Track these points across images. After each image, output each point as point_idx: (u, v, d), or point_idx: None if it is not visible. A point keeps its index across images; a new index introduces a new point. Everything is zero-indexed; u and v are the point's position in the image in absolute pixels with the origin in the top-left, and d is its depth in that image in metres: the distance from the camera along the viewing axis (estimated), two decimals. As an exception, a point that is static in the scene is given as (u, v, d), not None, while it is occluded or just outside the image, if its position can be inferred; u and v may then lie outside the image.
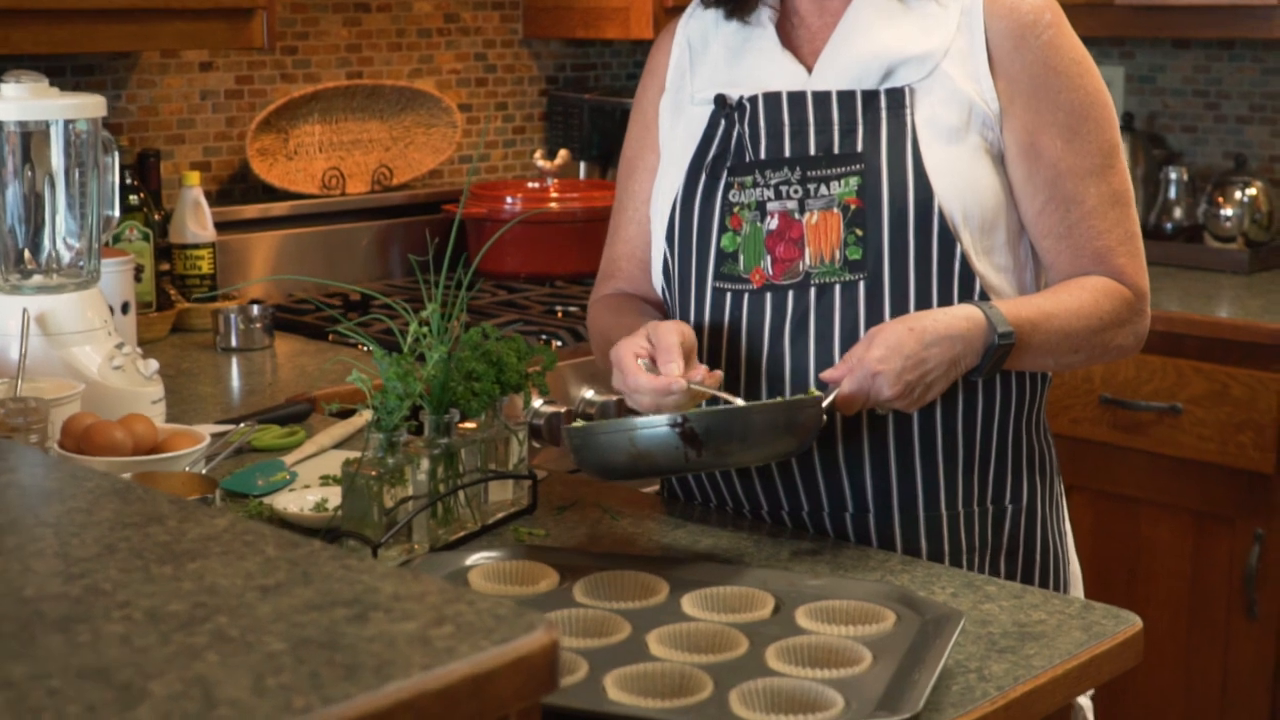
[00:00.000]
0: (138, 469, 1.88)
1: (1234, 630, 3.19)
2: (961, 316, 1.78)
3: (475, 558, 1.68)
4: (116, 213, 2.37)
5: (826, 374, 1.78)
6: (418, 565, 1.66)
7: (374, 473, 1.72)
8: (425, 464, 1.78)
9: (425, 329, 1.77)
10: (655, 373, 1.73)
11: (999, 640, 1.57)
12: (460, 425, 1.87)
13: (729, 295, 1.90)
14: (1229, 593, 3.20)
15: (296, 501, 1.93)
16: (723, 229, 1.90)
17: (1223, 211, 3.69)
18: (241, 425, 2.22)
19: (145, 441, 2.00)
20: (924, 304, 1.83)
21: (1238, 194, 3.68)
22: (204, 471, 1.96)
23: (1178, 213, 3.80)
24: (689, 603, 1.57)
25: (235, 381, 2.76)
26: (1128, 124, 3.91)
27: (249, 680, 1.00)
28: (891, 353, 1.73)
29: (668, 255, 1.97)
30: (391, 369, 1.71)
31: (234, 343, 2.88)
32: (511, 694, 1.05)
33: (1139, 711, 3.24)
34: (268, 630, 1.07)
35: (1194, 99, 3.95)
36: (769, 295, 1.87)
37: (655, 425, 1.65)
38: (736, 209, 1.89)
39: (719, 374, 1.76)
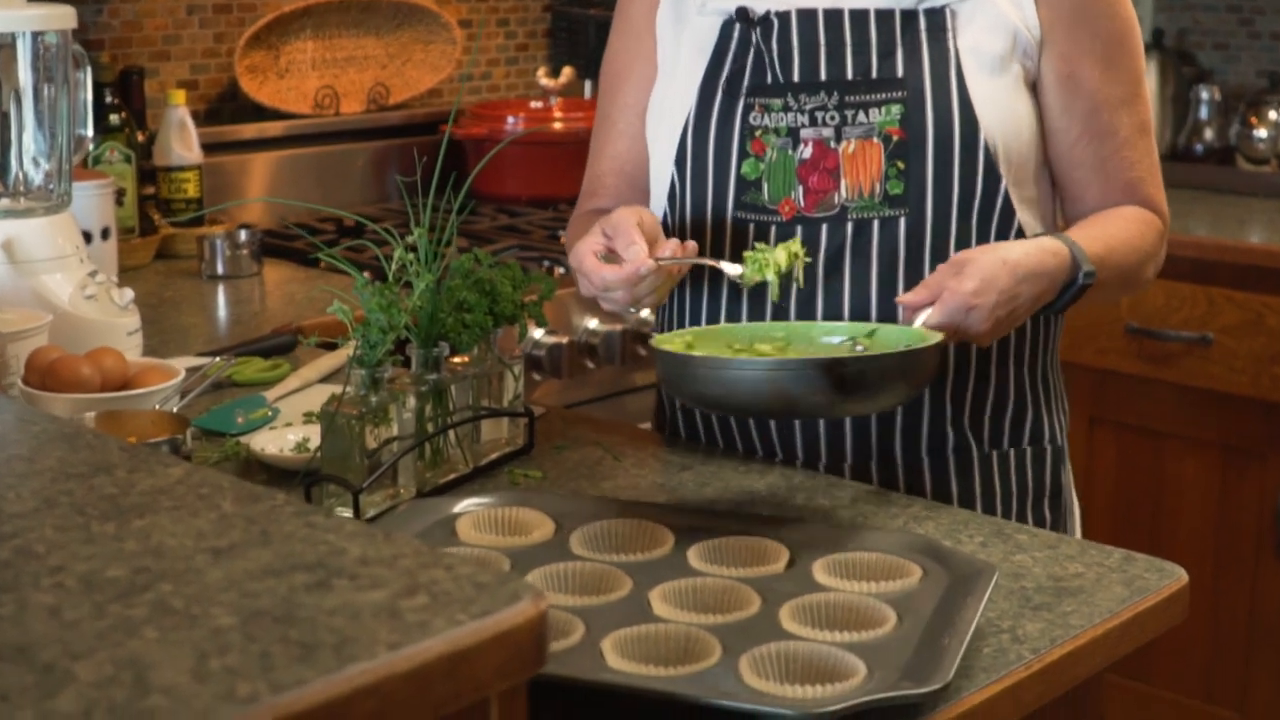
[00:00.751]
0: (103, 407, 1.75)
1: (1262, 569, 3.07)
2: (1050, 251, 1.65)
3: (464, 504, 1.55)
4: (89, 132, 2.23)
5: (908, 298, 1.62)
6: (402, 512, 1.53)
7: (355, 412, 1.59)
8: (412, 402, 1.65)
9: (411, 255, 1.63)
10: (617, 263, 1.62)
11: (1033, 596, 1.44)
12: (450, 360, 1.74)
13: (752, 226, 1.75)
14: (1258, 530, 3.07)
15: (276, 441, 1.80)
16: (743, 154, 1.76)
17: (1256, 132, 3.54)
18: (218, 359, 2.09)
19: (115, 377, 1.87)
20: (964, 243, 1.71)
21: (1272, 114, 3.52)
22: (176, 409, 1.83)
23: (1209, 134, 3.65)
24: (696, 555, 1.44)
25: (220, 311, 2.63)
26: (1156, 41, 3.75)
27: (190, 661, 0.87)
28: (987, 286, 1.58)
29: (675, 180, 1.82)
30: (373, 299, 1.58)
31: (220, 270, 2.75)
32: (492, 674, 0.92)
33: (1162, 651, 3.12)
34: (216, 601, 0.95)
35: (1226, 14, 3.78)
36: (800, 228, 1.73)
37: (800, 366, 1.49)
38: (759, 133, 1.75)
39: (692, 244, 1.66)
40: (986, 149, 1.70)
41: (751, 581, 1.38)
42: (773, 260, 1.66)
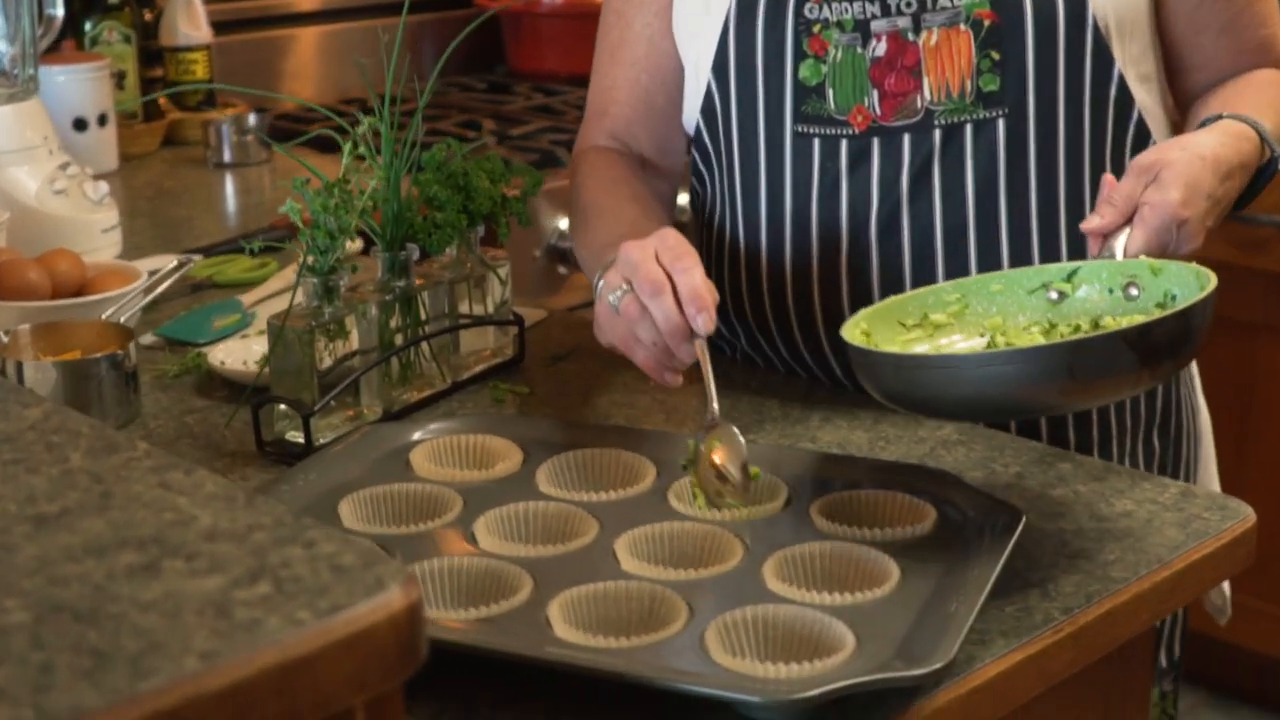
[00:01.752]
0: (43, 317, 1.58)
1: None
2: (1242, 136, 1.39)
3: (424, 431, 1.36)
4: (60, 11, 2.04)
5: (1095, 222, 1.33)
6: (354, 441, 1.35)
7: (305, 325, 1.41)
8: (373, 312, 1.46)
9: (364, 148, 1.43)
10: None
11: (1071, 541, 1.24)
12: (429, 264, 1.55)
13: (817, 143, 1.50)
14: (1356, 427, 2.84)
15: (239, 352, 1.63)
16: (799, 55, 1.49)
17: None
18: (196, 258, 1.92)
19: (68, 281, 1.70)
20: (1076, 144, 1.47)
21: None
22: (136, 317, 1.66)
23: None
24: (678, 493, 1.25)
25: (225, 203, 2.46)
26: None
27: (-52, 678, 0.69)
28: (1193, 192, 1.31)
29: (715, 91, 1.56)
30: (316, 200, 1.38)
31: (226, 157, 2.56)
32: (342, 685, 0.74)
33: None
34: (17, 589, 0.77)
35: None
36: (876, 141, 1.48)
37: (1104, 344, 1.15)
38: (817, 28, 1.49)
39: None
40: (1096, 25, 1.45)
41: (738, 527, 1.19)
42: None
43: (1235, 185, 1.37)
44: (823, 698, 0.96)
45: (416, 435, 1.36)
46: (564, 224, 2.45)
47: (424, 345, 1.53)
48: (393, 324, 1.49)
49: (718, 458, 1.22)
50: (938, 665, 0.98)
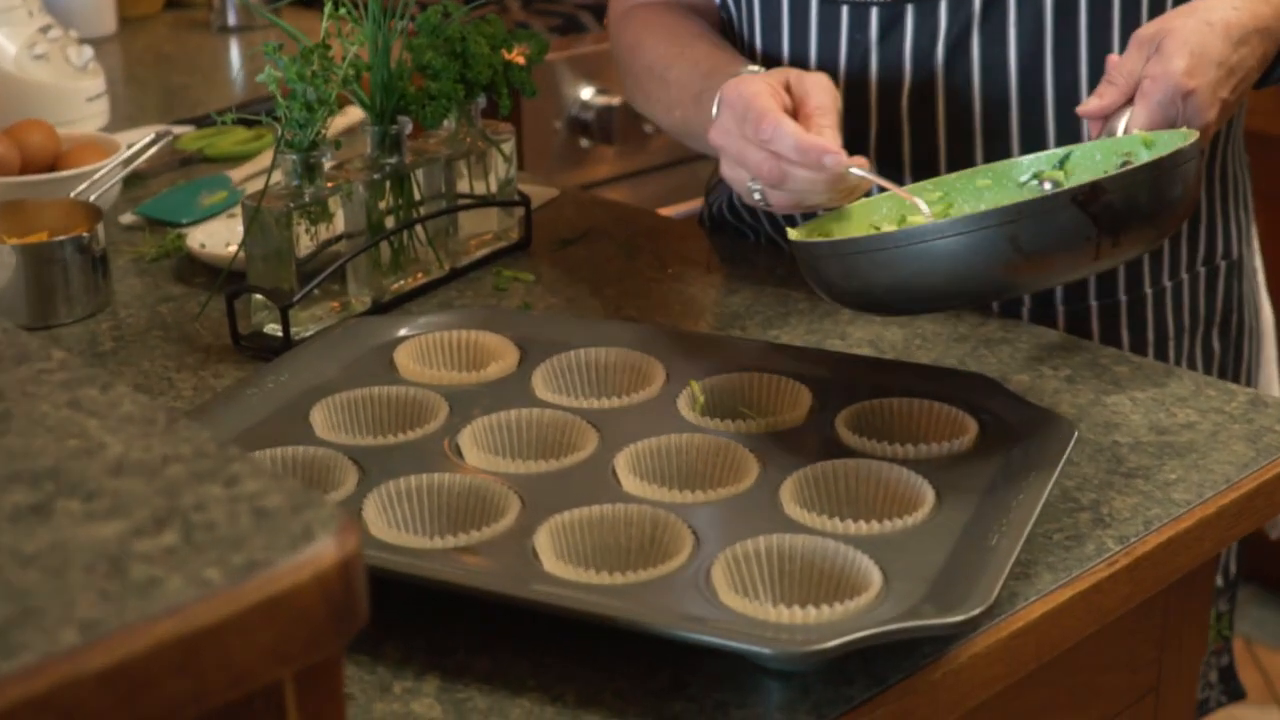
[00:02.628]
0: (9, 194, 1.46)
1: None
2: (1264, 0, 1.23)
3: (411, 327, 1.24)
4: None
5: (1092, 104, 1.19)
6: (335, 336, 1.22)
7: (283, 206, 1.27)
8: (360, 192, 1.33)
9: (345, 7, 1.29)
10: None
11: (1127, 456, 1.11)
12: (424, 139, 1.42)
13: (845, 11, 1.36)
14: None
15: (221, 235, 1.50)
16: None
17: None
18: (186, 129, 1.78)
19: (40, 155, 1.57)
20: (1133, 11, 1.31)
21: None
22: (111, 195, 1.53)
23: None
24: (688, 400, 1.12)
25: (228, 69, 2.32)
26: None
27: None
28: (1199, 61, 1.17)
29: None
30: (291, 67, 1.25)
31: (231, 20, 2.42)
32: (260, 657, 0.62)
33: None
34: (-122, 534, 0.65)
35: None
36: (910, 10, 1.33)
37: (1049, 204, 1.02)
38: None
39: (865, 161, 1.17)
40: None
41: (755, 440, 1.06)
42: None
43: (1255, 51, 1.21)
44: (843, 649, 0.83)
45: (402, 331, 1.23)
46: (586, 94, 2.31)
47: (418, 229, 1.40)
48: (383, 205, 1.36)
49: None
50: (976, 612, 0.85)
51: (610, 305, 1.38)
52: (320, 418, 1.10)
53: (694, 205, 2.09)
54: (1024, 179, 1.19)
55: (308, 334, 1.29)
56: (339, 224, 1.32)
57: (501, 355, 1.20)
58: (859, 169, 1.13)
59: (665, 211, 2.10)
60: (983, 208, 1.15)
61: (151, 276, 1.47)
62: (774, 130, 1.14)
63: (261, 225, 1.28)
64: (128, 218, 1.60)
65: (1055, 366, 1.24)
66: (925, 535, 0.95)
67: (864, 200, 1.19)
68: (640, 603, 0.89)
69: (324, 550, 0.64)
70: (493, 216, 1.49)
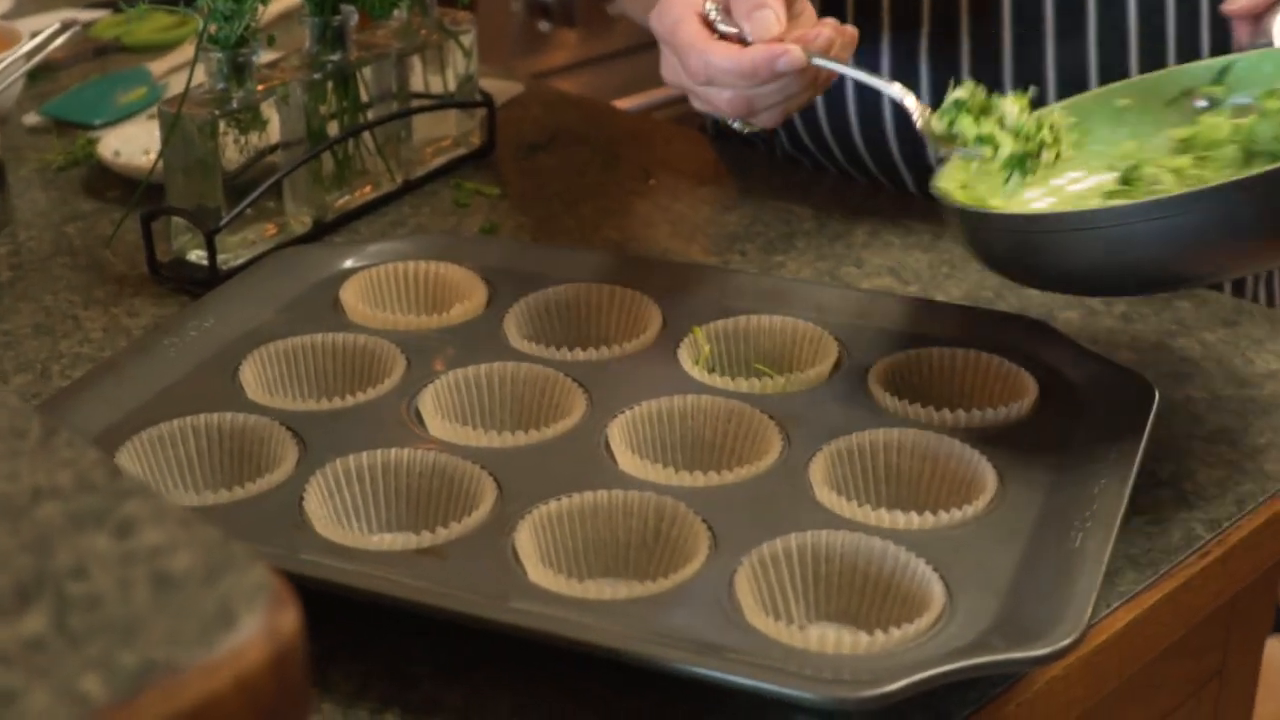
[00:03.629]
0: (-114, 95, 1.26)
1: None
2: None
3: (359, 256, 1.05)
4: None
5: (1236, 3, 0.99)
6: (268, 268, 1.03)
7: (207, 113, 1.08)
8: (298, 95, 1.14)
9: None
10: (734, 36, 0.97)
11: (1205, 416, 0.94)
12: (370, 31, 1.22)
13: None
14: None
15: (139, 140, 1.30)
16: None
17: None
18: (93, 15, 1.58)
19: (-72, 46, 1.37)
20: None
21: None
22: (3, 92, 1.33)
23: None
24: (691, 351, 0.95)
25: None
26: None
27: None
28: None
29: None
30: (211, -51, 1.05)
31: (153, -112, 2.18)
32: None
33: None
34: None
35: None
36: None
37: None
38: None
39: (850, 29, 0.98)
40: None
41: (772, 403, 0.89)
42: (999, 123, 0.93)
43: None
44: (905, 694, 0.67)
45: (348, 263, 1.04)
46: (547, -29, 2.10)
47: (366, 136, 1.21)
48: (324, 110, 1.17)
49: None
50: (1066, 642, 0.69)
51: (587, 225, 1.20)
52: (252, 374, 0.92)
53: (660, 95, 1.91)
54: (1172, 96, 0.99)
55: (239, 262, 1.10)
56: (273, 132, 1.13)
57: (467, 293, 1.01)
58: (821, 57, 0.94)
59: (627, 102, 1.91)
60: (1125, 134, 0.97)
61: (59, 189, 1.28)
62: (705, 68, 0.95)
63: (182, 136, 1.08)
64: (32, 118, 1.40)
65: (1107, 301, 1.07)
66: (991, 531, 0.78)
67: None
68: (649, 626, 0.72)
69: (249, 640, 0.46)
70: (450, 120, 1.30)
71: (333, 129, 1.18)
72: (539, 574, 0.75)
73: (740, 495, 0.81)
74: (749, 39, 0.94)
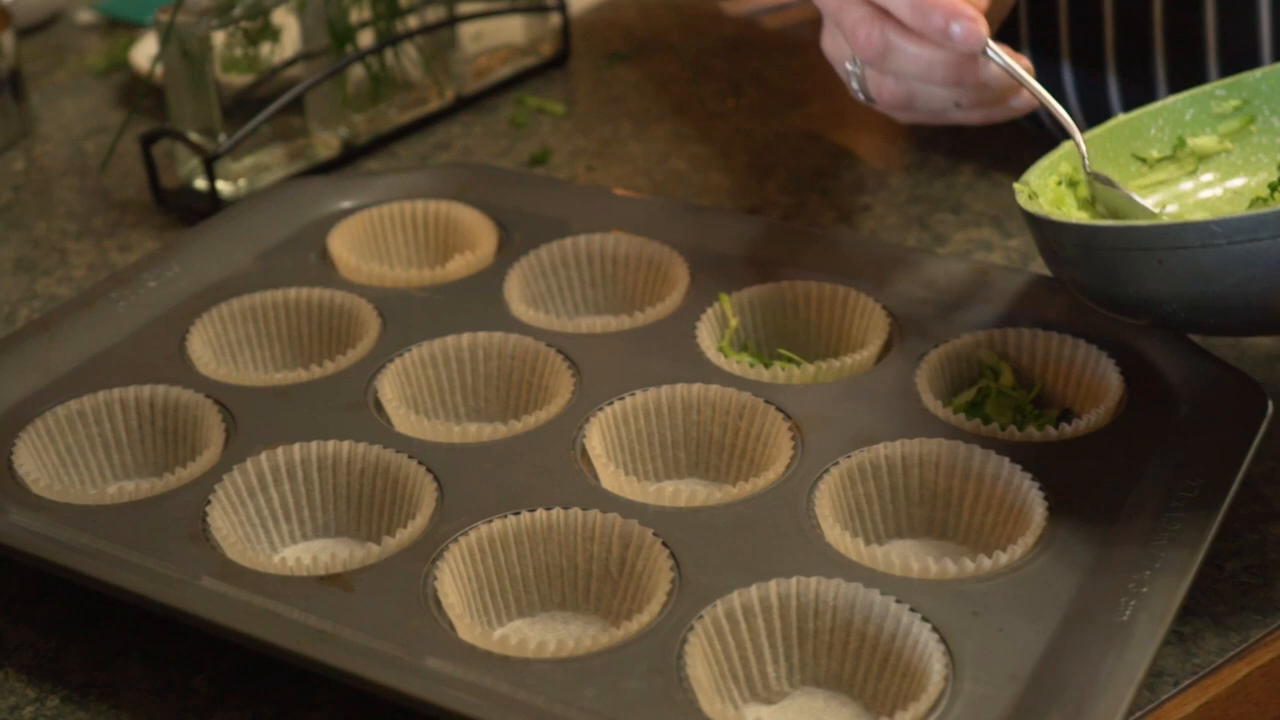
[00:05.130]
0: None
1: None
2: None
3: (361, 194, 0.92)
4: None
5: None
6: (249, 209, 0.90)
7: (203, 22, 0.95)
8: (318, 0, 1.00)
9: None
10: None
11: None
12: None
13: None
14: None
15: (181, 43, 1.18)
16: None
17: None
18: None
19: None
20: None
21: None
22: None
23: None
24: (714, 322, 0.80)
25: None
26: None
27: None
28: None
29: None
30: None
31: None
32: None
33: None
34: None
35: None
36: None
37: None
38: None
39: (1024, 60, 0.78)
40: None
41: (795, 397, 0.74)
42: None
43: None
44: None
45: (346, 203, 0.91)
46: None
47: (410, 46, 1.07)
48: (355, 16, 1.04)
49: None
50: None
51: (653, 153, 1.05)
52: (200, 339, 0.80)
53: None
54: None
55: (251, 190, 0.98)
56: (291, 43, 1.00)
57: (474, 240, 0.88)
58: (1000, 55, 0.75)
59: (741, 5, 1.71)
60: None
61: (92, 97, 1.17)
62: (881, 39, 0.76)
63: (180, 49, 0.96)
64: (86, 15, 1.30)
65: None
66: (1023, 589, 0.62)
67: (1128, 115, 0.81)
68: (574, 702, 0.58)
69: None
70: (517, 25, 1.15)
71: (365, 41, 1.04)
72: (461, 618, 0.62)
73: (723, 521, 0.66)
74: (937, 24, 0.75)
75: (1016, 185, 0.73)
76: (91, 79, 1.19)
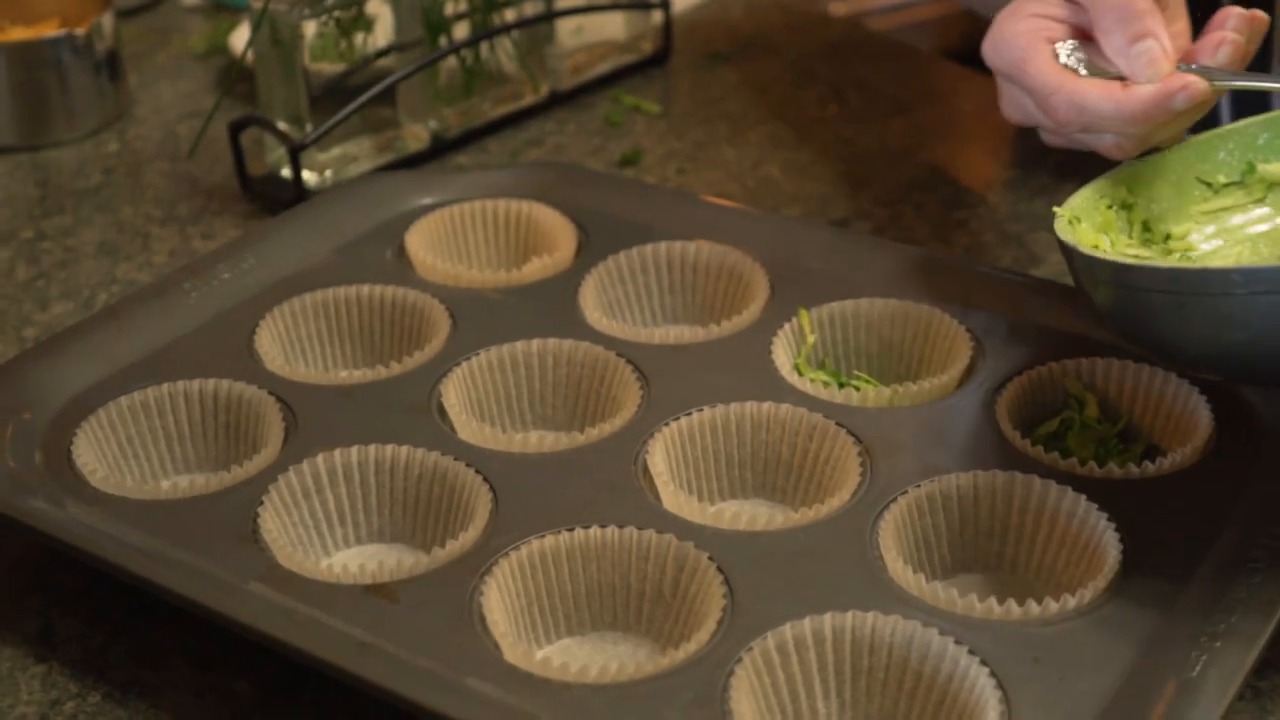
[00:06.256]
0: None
1: None
2: None
3: (443, 190, 0.90)
4: None
5: None
6: (333, 202, 0.89)
7: (296, 10, 0.95)
8: (412, -6, 0.99)
9: None
10: (1104, 70, 0.74)
11: None
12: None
13: None
14: None
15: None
16: None
17: None
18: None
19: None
20: None
21: None
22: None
23: None
24: (791, 338, 0.78)
25: None
26: None
27: None
28: None
29: None
30: None
31: None
32: None
33: None
34: None
35: None
36: None
37: None
38: None
39: (1259, 15, 0.74)
40: None
41: (868, 420, 0.71)
42: None
43: None
44: None
45: (427, 199, 0.90)
46: None
47: (507, 40, 1.06)
48: (451, 8, 1.02)
49: None
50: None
51: (747, 158, 1.03)
52: (270, 332, 0.79)
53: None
54: None
55: (318, 188, 0.97)
56: (384, 33, 0.99)
57: (554, 243, 0.86)
58: (1226, 78, 0.71)
59: (846, 7, 1.68)
60: None
61: (191, 80, 1.17)
62: (1079, 114, 0.73)
63: (272, 36, 0.95)
64: (191, -2, 1.30)
65: None
66: (1088, 637, 0.59)
67: (1199, 136, 0.76)
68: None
69: None
70: (618, 22, 1.14)
71: (460, 33, 1.03)
72: (506, 635, 0.60)
73: (783, 547, 0.64)
74: (1133, 79, 0.73)
75: (1056, 210, 0.70)
76: (192, 62, 1.19)
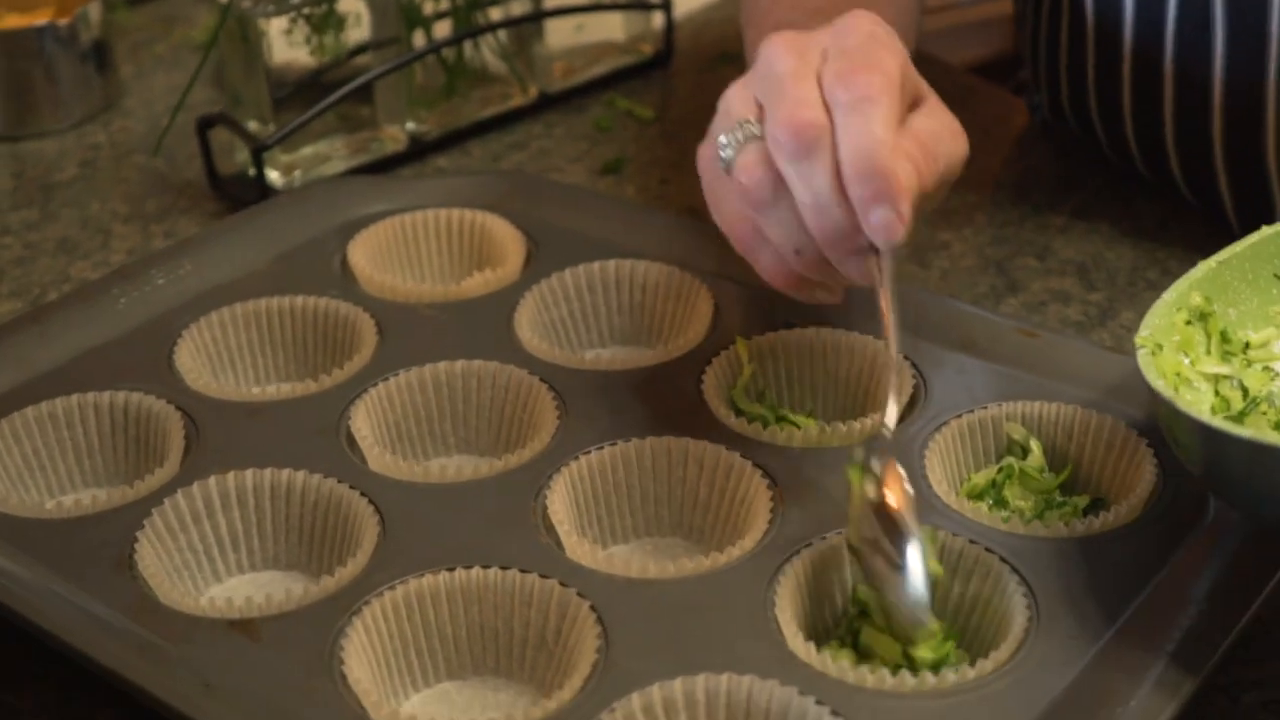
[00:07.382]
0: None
1: None
2: None
3: (397, 197, 0.87)
4: None
5: None
6: (281, 207, 0.87)
7: (260, 5, 0.92)
8: (387, -8, 0.96)
9: None
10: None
11: None
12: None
13: None
14: None
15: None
16: None
17: None
18: None
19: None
20: None
21: None
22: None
23: None
24: (726, 368, 0.74)
25: None
26: None
27: None
28: None
29: None
30: None
31: None
32: None
33: None
34: None
35: None
36: None
37: None
38: None
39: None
40: None
41: (790, 463, 0.67)
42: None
43: None
44: None
45: (380, 206, 0.87)
46: None
47: (493, 39, 1.02)
48: (429, 7, 0.99)
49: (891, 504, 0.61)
50: None
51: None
52: (193, 343, 0.76)
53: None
54: None
55: (283, 185, 0.95)
56: (363, 30, 0.96)
57: (501, 256, 0.83)
58: (889, 283, 0.63)
59: None
60: None
61: (185, 71, 1.15)
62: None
63: (240, 32, 0.93)
64: (197, -15, 1.28)
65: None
66: (983, 709, 0.55)
67: (1269, 234, 0.68)
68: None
69: None
70: (616, 22, 1.10)
71: (440, 31, 1.00)
72: (362, 677, 0.57)
73: (671, 598, 0.60)
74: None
75: (1138, 340, 0.62)
76: (191, 53, 1.17)
